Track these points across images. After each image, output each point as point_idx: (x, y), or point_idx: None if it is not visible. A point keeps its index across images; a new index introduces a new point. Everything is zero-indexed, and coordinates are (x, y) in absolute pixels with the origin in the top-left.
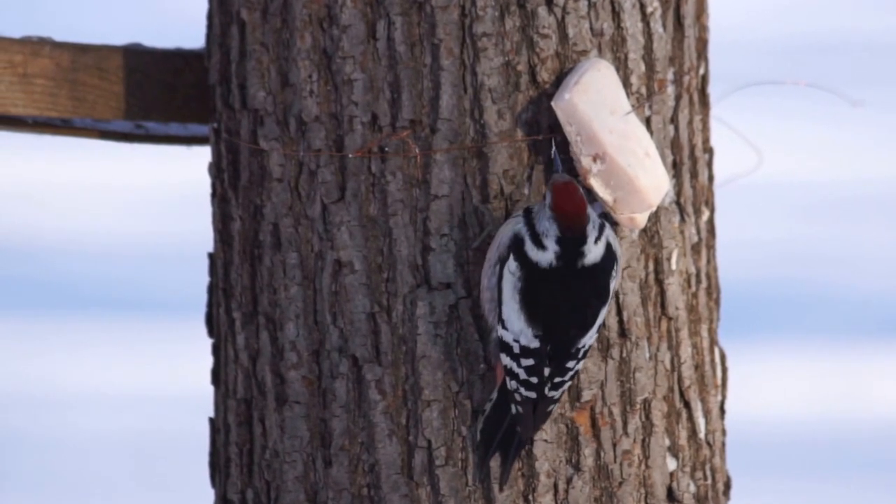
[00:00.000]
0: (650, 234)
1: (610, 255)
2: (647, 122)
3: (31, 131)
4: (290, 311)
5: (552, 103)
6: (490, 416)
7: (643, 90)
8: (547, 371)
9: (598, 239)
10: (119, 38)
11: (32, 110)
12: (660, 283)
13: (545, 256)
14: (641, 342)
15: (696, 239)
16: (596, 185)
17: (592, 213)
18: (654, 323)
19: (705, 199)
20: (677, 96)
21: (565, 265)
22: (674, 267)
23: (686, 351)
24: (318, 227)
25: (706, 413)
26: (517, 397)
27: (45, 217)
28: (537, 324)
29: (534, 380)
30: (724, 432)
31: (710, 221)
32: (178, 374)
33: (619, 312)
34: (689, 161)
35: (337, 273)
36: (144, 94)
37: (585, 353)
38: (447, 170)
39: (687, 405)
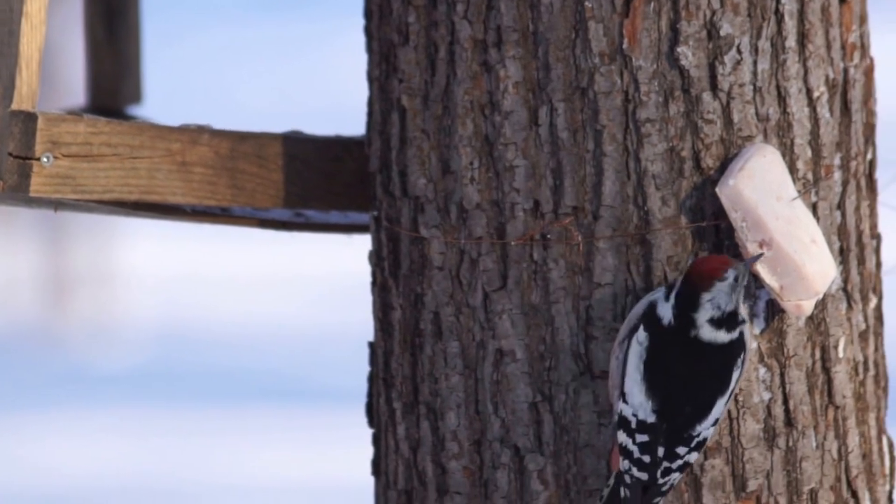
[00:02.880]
0: (816, 322)
1: (740, 345)
2: (814, 209)
3: (189, 220)
4: (451, 401)
5: (717, 189)
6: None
7: (809, 176)
8: (661, 451)
9: (727, 326)
10: (278, 125)
11: (191, 199)
12: (826, 371)
13: (667, 312)
14: (808, 431)
15: (863, 326)
16: (762, 271)
17: (731, 298)
18: (821, 411)
19: (873, 286)
20: (844, 182)
21: (679, 328)
22: (841, 355)
23: (853, 440)
24: (479, 316)
25: (874, 503)
26: (627, 479)
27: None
28: (656, 396)
29: (646, 458)
30: None
31: (878, 309)
32: (338, 464)
33: (786, 401)
34: (856, 248)
35: (498, 362)
36: (304, 181)
37: (699, 444)
38: (610, 257)
39: (854, 495)
